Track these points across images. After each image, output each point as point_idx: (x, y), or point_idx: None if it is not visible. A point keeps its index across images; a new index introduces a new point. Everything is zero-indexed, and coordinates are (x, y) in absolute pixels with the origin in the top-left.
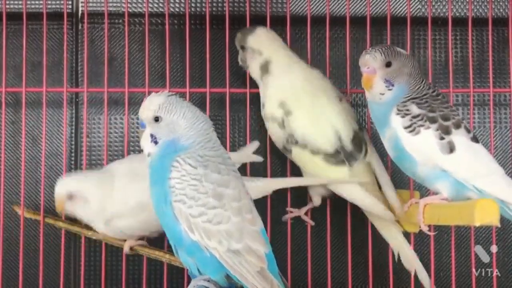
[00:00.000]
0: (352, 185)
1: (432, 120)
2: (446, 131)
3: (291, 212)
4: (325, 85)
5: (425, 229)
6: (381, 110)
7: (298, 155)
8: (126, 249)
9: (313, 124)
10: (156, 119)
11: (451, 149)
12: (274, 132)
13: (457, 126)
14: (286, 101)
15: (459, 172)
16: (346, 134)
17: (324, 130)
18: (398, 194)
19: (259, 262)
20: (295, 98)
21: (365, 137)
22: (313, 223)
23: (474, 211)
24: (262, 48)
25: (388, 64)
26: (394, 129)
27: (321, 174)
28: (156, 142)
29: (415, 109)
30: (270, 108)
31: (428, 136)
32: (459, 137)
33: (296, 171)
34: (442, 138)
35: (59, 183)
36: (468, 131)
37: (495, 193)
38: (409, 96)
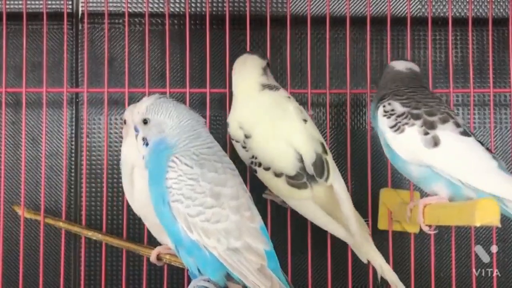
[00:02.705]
0: (310, 204)
1: (416, 117)
2: (431, 126)
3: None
4: (289, 107)
5: (425, 229)
6: (372, 110)
7: (262, 176)
8: (153, 256)
9: (273, 146)
10: (145, 122)
11: (436, 143)
12: (239, 152)
13: (444, 120)
14: (245, 123)
15: (446, 167)
16: (307, 156)
17: (285, 153)
18: (398, 194)
19: (258, 260)
20: (255, 120)
21: (328, 160)
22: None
23: (475, 211)
24: (233, 78)
25: None
26: (382, 130)
27: (285, 196)
28: (147, 144)
29: (399, 108)
30: (231, 129)
31: (412, 132)
32: (445, 132)
33: None
34: (426, 133)
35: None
36: (458, 125)
37: (489, 189)
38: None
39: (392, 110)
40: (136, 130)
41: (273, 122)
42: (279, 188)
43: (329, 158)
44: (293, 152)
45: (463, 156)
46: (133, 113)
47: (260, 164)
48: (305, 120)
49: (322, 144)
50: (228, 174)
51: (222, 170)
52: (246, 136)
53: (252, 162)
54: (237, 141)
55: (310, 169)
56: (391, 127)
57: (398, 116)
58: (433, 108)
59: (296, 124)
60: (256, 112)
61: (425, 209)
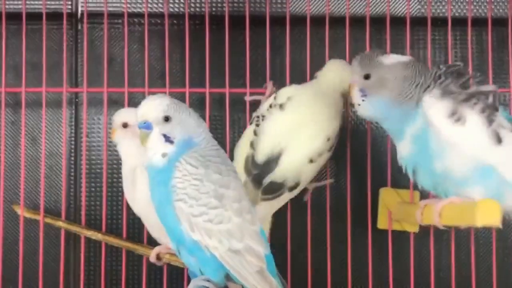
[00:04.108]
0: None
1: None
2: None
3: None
4: None
5: (441, 226)
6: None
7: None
8: (152, 256)
9: None
10: (166, 119)
11: (499, 139)
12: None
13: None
14: None
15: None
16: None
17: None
18: (398, 193)
19: (259, 262)
20: None
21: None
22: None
23: (476, 212)
24: None
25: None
26: (427, 123)
27: None
28: (171, 142)
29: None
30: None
31: (476, 122)
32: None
33: None
34: (490, 123)
35: (119, 112)
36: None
37: None
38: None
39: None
40: (148, 127)
41: None
42: None
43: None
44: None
45: None
46: (149, 110)
47: None
48: None
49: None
50: (231, 177)
51: (226, 172)
52: None
53: None
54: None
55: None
56: (450, 116)
57: (458, 101)
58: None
59: None
60: None
61: (425, 209)
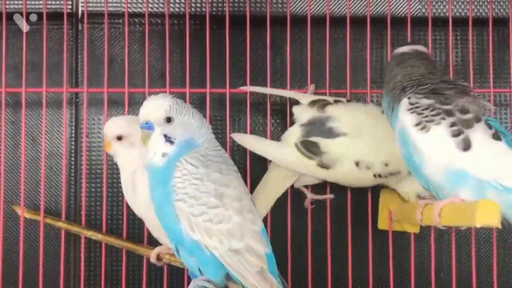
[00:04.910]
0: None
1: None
2: (464, 125)
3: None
4: None
5: (441, 226)
6: (388, 104)
7: None
8: (153, 256)
9: None
10: (168, 120)
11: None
12: None
13: (477, 120)
14: None
15: (481, 169)
16: None
17: None
18: (398, 194)
19: (259, 262)
20: None
21: None
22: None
23: (475, 212)
24: None
25: None
26: (405, 127)
27: None
28: (172, 142)
29: (425, 101)
30: None
31: (441, 132)
32: (475, 134)
33: None
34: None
35: (109, 122)
36: (490, 126)
37: None
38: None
39: (417, 103)
40: (150, 127)
41: None
42: None
43: None
44: None
45: (498, 158)
46: (151, 110)
47: None
48: None
49: None
50: (232, 176)
51: (226, 171)
52: None
53: None
54: None
55: None
56: (416, 125)
57: (424, 110)
58: (464, 103)
59: None
60: None
61: (424, 209)
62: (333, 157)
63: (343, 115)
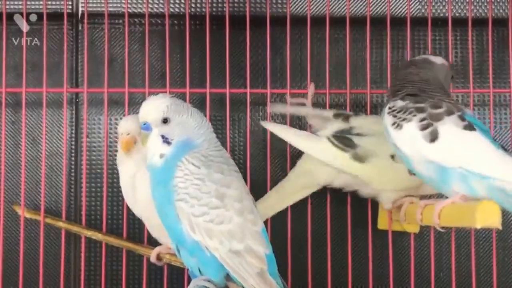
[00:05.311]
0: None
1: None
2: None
3: None
4: None
5: (439, 228)
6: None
7: None
8: (153, 256)
9: None
10: (165, 121)
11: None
12: None
13: (449, 113)
14: None
15: (447, 157)
16: None
17: None
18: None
19: (259, 263)
20: None
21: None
22: None
23: (475, 213)
24: None
25: None
26: (385, 128)
27: None
28: (169, 143)
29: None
30: None
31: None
32: (445, 126)
33: None
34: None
35: (125, 120)
36: (463, 119)
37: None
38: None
39: (393, 106)
40: (148, 128)
41: None
42: None
43: None
44: None
45: (465, 146)
46: (149, 111)
47: None
48: None
49: None
50: (233, 176)
51: (228, 172)
52: None
53: None
54: None
55: None
56: (392, 125)
57: (399, 112)
58: (438, 100)
59: None
60: None
61: (424, 209)
62: (368, 149)
63: (368, 123)
